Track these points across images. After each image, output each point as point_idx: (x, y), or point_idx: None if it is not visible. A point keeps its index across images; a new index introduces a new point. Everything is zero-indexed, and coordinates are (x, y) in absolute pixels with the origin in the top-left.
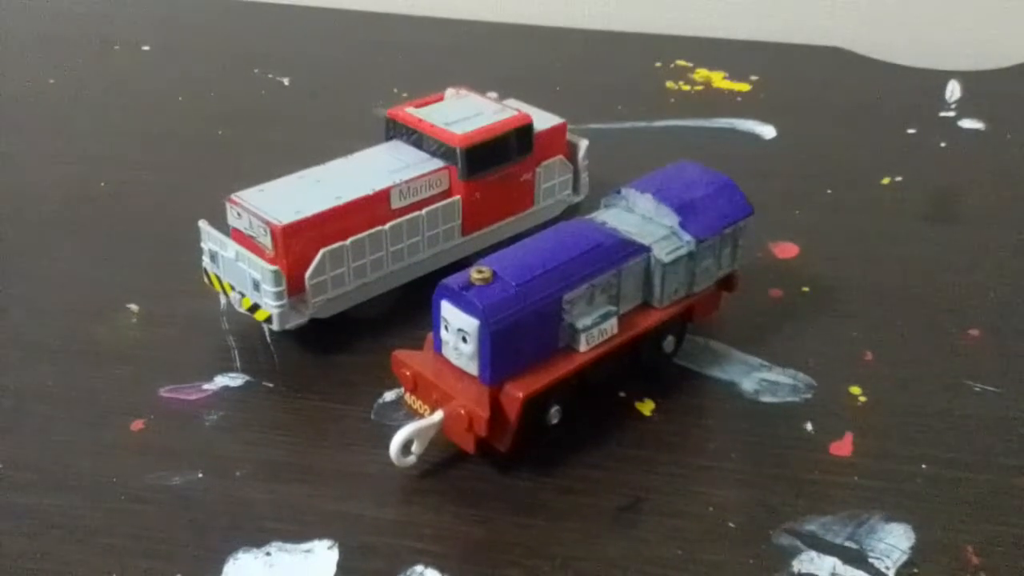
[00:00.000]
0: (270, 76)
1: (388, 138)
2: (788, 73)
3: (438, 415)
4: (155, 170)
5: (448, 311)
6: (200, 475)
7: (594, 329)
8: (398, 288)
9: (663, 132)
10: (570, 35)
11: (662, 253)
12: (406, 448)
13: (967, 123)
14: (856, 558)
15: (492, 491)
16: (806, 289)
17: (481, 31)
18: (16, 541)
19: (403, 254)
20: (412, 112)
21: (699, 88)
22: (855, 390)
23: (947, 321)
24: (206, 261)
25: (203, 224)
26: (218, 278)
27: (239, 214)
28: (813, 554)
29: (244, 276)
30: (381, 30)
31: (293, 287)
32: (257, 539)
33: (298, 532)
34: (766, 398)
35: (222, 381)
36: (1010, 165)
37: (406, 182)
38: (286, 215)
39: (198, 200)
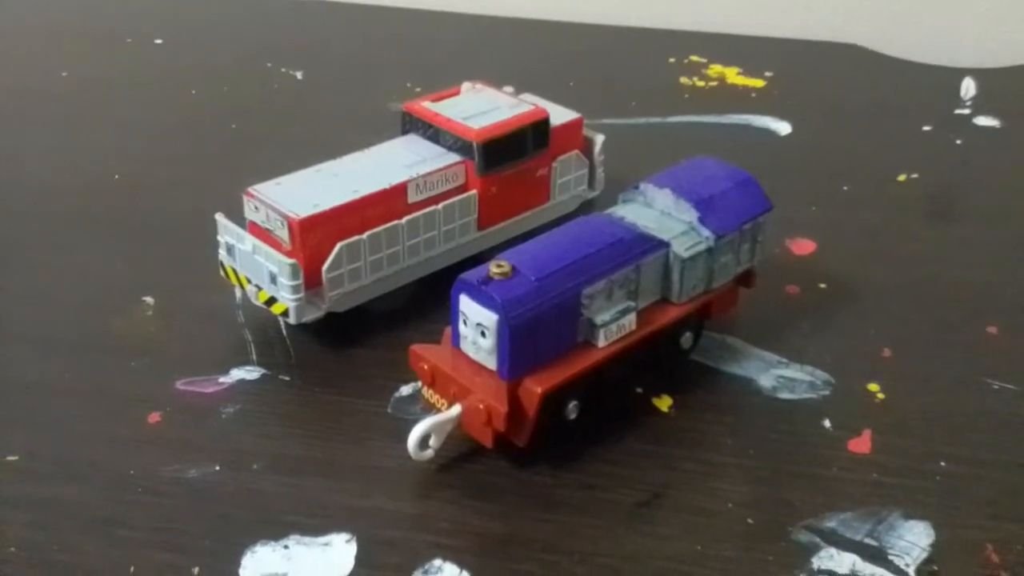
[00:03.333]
0: (283, 70)
1: (404, 132)
2: (803, 69)
3: (456, 409)
4: (169, 163)
5: (467, 305)
6: (217, 468)
7: (613, 324)
8: (414, 282)
9: (677, 128)
10: (584, 30)
11: (681, 249)
12: (424, 442)
13: (982, 120)
14: (876, 555)
15: (510, 486)
16: (823, 286)
17: (493, 26)
18: (34, 533)
19: (419, 248)
20: (428, 106)
21: (713, 84)
22: (873, 387)
23: (964, 318)
24: (222, 254)
25: (220, 217)
26: (234, 271)
27: (256, 207)
28: (832, 551)
29: (261, 269)
30: (394, 24)
31: (310, 280)
32: (275, 532)
33: (316, 525)
34: (784, 395)
35: (238, 374)
36: None
37: (423, 176)
38: (303, 208)
39: (212, 194)
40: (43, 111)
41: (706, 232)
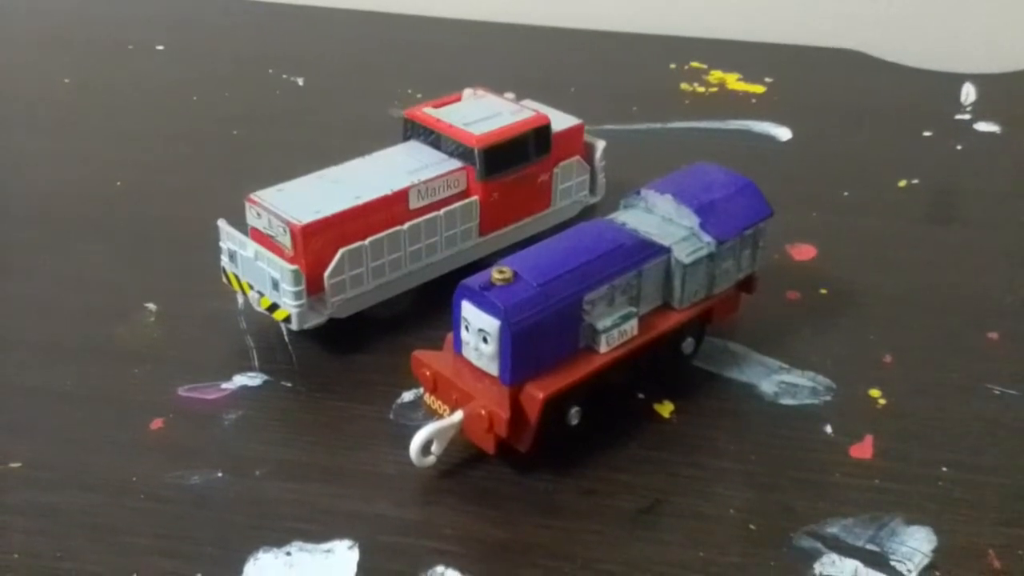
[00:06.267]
0: (285, 76)
1: (405, 138)
2: (803, 75)
3: (458, 415)
4: (171, 170)
5: (469, 311)
6: (220, 474)
7: (614, 330)
8: (415, 288)
9: (677, 134)
10: (585, 36)
11: (682, 254)
12: (426, 448)
13: (982, 126)
14: (878, 561)
15: (512, 492)
16: (824, 291)
17: (495, 32)
18: (37, 540)
19: (421, 254)
20: (430, 112)
21: (714, 90)
22: (874, 393)
23: (965, 324)
24: (225, 260)
25: (222, 223)
26: (237, 277)
27: (259, 213)
28: (834, 556)
29: (263, 275)
30: (396, 31)
31: (312, 287)
32: (277, 539)
33: (318, 532)
34: (785, 400)
35: (241, 380)
36: None
37: (424, 182)
38: (306, 215)
39: (214, 200)
40: (45, 118)
41: (707, 238)
